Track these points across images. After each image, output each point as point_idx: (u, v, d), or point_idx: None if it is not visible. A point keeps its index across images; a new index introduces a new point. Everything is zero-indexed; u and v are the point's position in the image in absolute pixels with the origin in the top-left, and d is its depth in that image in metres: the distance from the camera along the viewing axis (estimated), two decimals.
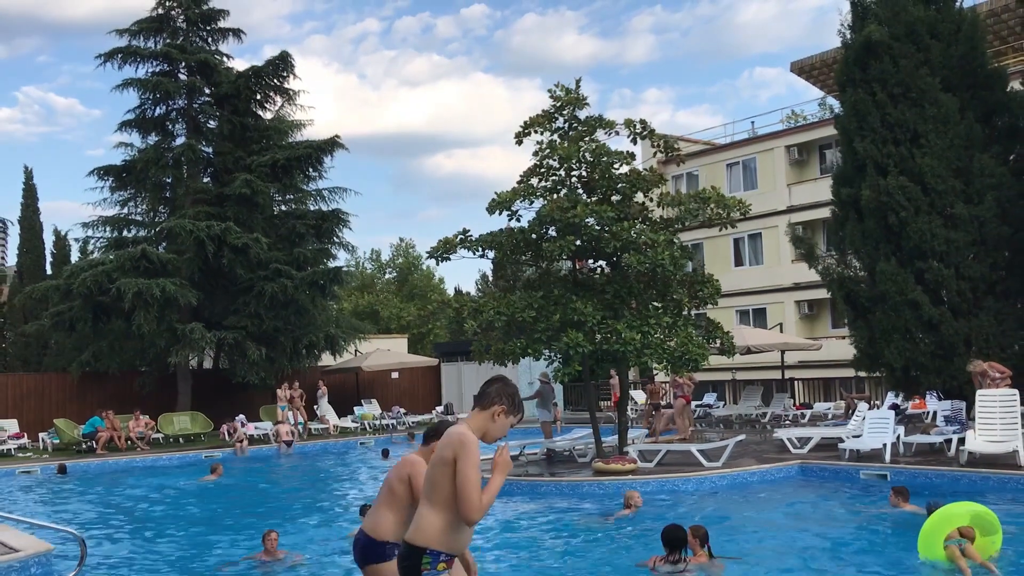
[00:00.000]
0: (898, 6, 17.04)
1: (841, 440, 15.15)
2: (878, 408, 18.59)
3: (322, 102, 57.81)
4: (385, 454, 20.21)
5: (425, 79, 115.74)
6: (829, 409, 24.25)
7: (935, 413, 17.07)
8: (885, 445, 14.17)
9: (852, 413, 18.27)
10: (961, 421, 14.88)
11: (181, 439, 24.45)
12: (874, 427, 14.84)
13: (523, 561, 8.87)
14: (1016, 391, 13.51)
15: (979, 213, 16.06)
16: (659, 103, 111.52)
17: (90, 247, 30.94)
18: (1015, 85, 17.35)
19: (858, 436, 15.06)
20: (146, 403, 25.81)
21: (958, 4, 17.75)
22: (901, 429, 15.36)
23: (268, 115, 29.64)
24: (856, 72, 17.06)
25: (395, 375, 33.72)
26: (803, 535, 9.54)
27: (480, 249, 15.40)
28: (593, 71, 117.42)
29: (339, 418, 27.94)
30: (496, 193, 15.41)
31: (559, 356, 14.81)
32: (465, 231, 15.51)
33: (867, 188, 16.44)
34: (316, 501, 14.50)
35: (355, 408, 29.04)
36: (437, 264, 16.78)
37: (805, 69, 38.52)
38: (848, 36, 17.68)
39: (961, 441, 13.76)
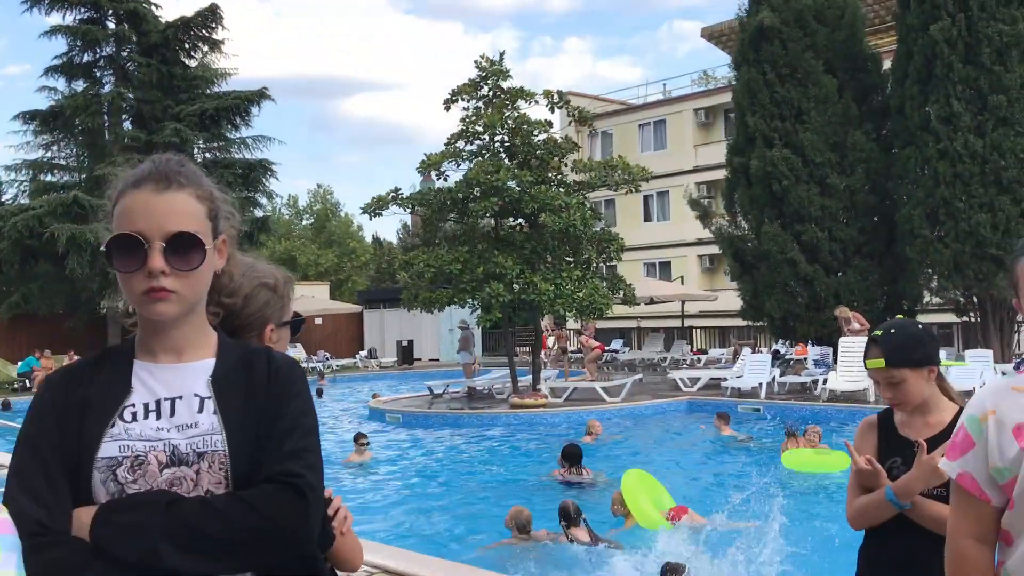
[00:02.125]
0: None
1: (725, 379, 17.39)
2: (762, 353, 20.99)
3: (236, 39, 57.56)
4: (319, 393, 21.73)
5: (344, 19, 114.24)
6: (723, 354, 26.73)
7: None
8: (761, 384, 16.43)
9: (737, 357, 20.60)
10: (827, 364, 17.24)
11: None
12: (753, 369, 17.09)
13: (454, 477, 10.69)
14: None
15: (851, 183, 18.35)
16: (580, 52, 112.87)
17: (13, 190, 31.03)
18: (887, 64, 19.57)
19: (739, 376, 17.31)
20: (77, 345, 26.55)
21: None
22: (777, 371, 17.68)
23: (193, 63, 30.11)
24: (750, 53, 19.03)
25: (319, 321, 34.99)
26: (663, 453, 11.69)
27: (411, 206, 16.94)
28: (515, 17, 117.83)
29: None
30: (426, 155, 16.98)
31: (479, 304, 16.56)
32: (396, 190, 17.00)
33: (756, 158, 18.53)
34: None
35: (290, 348, 30.27)
36: (370, 219, 18.26)
37: (715, 35, 40.56)
38: (744, 19, 19.59)
39: (825, 381, 16.09)
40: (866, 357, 2.47)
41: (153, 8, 28.92)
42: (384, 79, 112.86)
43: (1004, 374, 9.23)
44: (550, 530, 6.85)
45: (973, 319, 18.47)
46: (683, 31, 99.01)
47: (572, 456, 9.17)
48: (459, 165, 16.96)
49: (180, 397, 1.46)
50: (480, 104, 17.05)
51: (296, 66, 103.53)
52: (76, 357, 24.68)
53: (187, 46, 29.24)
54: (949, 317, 19.95)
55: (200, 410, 1.45)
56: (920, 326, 2.53)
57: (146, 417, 1.44)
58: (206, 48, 30.00)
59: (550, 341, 29.81)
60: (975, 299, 17.86)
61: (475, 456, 12.49)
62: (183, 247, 1.46)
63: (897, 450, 2.42)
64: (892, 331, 2.47)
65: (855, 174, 18.31)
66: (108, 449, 1.40)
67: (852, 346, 15.90)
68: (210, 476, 1.42)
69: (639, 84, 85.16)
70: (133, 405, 1.45)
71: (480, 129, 16.79)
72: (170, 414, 1.45)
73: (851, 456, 2.50)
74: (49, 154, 29.62)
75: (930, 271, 17.61)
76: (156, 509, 1.34)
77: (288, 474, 1.40)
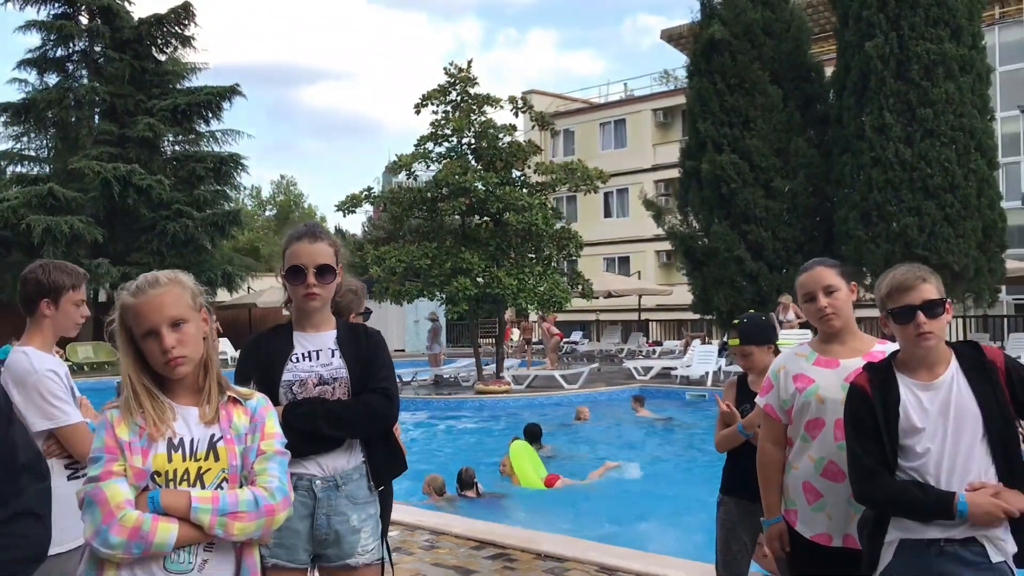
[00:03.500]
0: (739, 8, 20.28)
1: (675, 369, 18.68)
2: (710, 344, 22.34)
3: (200, 28, 57.85)
4: None
5: (305, 7, 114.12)
6: (678, 346, 28.09)
7: None
8: (708, 372, 17.74)
9: (688, 348, 21.93)
10: None
11: (86, 367, 26.06)
12: (701, 359, 18.40)
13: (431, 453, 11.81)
14: (808, 331, 17.26)
15: (793, 187, 19.73)
16: (543, 45, 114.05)
17: None
18: (831, 70, 20.94)
19: (689, 366, 18.61)
20: None
21: (790, 4, 21.14)
22: (723, 360, 19.00)
23: (163, 57, 30.71)
24: (702, 63, 20.31)
25: (286, 312, 35.72)
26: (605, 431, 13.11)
27: (383, 204, 17.97)
28: (479, 8, 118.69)
29: (236, 350, 30.00)
30: (397, 156, 18.05)
31: (446, 298, 17.65)
32: (369, 188, 18.04)
33: (706, 162, 19.83)
34: None
35: None
36: (344, 216, 19.28)
37: (674, 37, 41.92)
38: (697, 31, 20.87)
39: None
40: (729, 338, 3.65)
41: (126, 4, 29.47)
42: (346, 68, 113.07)
43: None
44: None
45: None
46: (647, 25, 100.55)
47: (532, 433, 10.33)
48: (428, 166, 18.03)
49: (320, 350, 2.61)
50: (448, 108, 18.11)
51: (256, 54, 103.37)
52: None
53: (160, 42, 29.85)
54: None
55: (332, 356, 2.60)
56: (763, 317, 3.71)
57: (304, 360, 2.58)
58: (177, 43, 30.65)
59: (515, 333, 31.03)
60: None
61: (442, 435, 13.60)
62: (324, 271, 2.58)
63: (747, 399, 3.59)
64: (745, 320, 3.66)
65: (797, 178, 19.69)
66: (286, 377, 2.54)
67: (790, 336, 17.28)
68: (340, 390, 2.57)
69: (601, 84, 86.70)
70: (296, 354, 2.58)
71: (449, 132, 17.88)
72: (316, 359, 2.59)
73: (718, 403, 3.68)
74: (19, 145, 30.08)
75: (864, 269, 19.03)
76: (315, 405, 2.49)
77: (381, 387, 2.55)
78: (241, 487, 2.05)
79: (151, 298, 2.11)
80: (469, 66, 18.09)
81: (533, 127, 19.31)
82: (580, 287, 18.04)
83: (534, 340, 25.34)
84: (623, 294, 27.34)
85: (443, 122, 17.79)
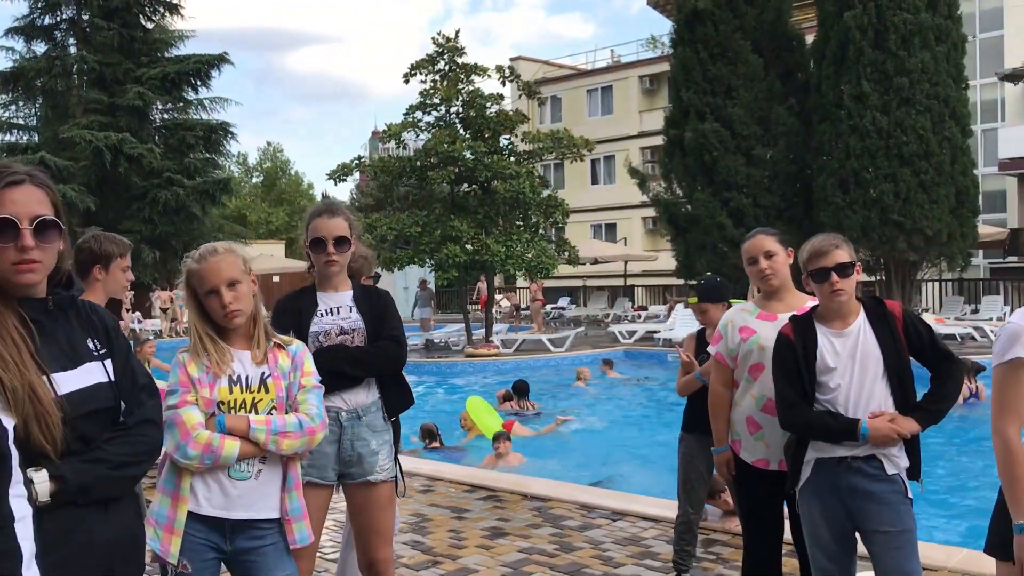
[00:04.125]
0: None
1: (658, 332, 19.30)
2: None
3: None
4: None
5: None
6: (662, 311, 28.71)
7: None
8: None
9: (672, 312, 22.55)
10: None
11: None
12: (683, 322, 18.99)
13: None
14: None
15: (774, 154, 20.23)
16: (532, 8, 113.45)
17: None
18: (811, 38, 21.34)
19: (671, 329, 19.22)
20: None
21: None
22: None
23: (150, 25, 30.78)
24: (685, 33, 20.69)
25: (276, 279, 36.20)
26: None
27: (374, 172, 18.40)
28: None
29: None
30: (387, 124, 18.44)
31: (436, 264, 18.16)
32: (359, 157, 18.47)
33: (689, 131, 20.29)
34: None
35: None
36: (336, 184, 19.74)
37: (660, 3, 42.10)
38: (680, 1, 21.21)
39: None
40: (688, 297, 4.20)
41: None
42: (331, 33, 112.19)
43: None
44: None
45: (879, 278, 20.60)
46: None
47: (520, 390, 10.94)
48: (418, 136, 18.45)
49: (340, 307, 3.14)
50: (436, 77, 18.48)
51: (241, 18, 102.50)
52: None
53: (148, 10, 29.92)
54: (861, 276, 22.05)
55: (350, 312, 3.13)
56: (719, 279, 4.26)
57: (327, 315, 3.11)
58: (164, 11, 30.72)
59: (503, 301, 31.61)
60: (881, 260, 19.95)
61: (436, 395, 14.18)
62: (341, 242, 3.10)
63: (705, 351, 4.15)
64: (702, 281, 4.21)
65: (778, 146, 20.19)
66: (313, 329, 3.07)
67: None
68: (358, 339, 3.10)
69: (588, 51, 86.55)
70: (320, 310, 3.11)
71: (437, 101, 18.27)
72: (337, 314, 3.12)
73: (679, 353, 4.24)
74: (7, 114, 30.23)
75: (842, 235, 19.58)
76: (339, 351, 3.03)
77: (392, 335, 3.10)
78: (287, 413, 2.59)
79: (211, 264, 2.63)
80: (457, 36, 18.44)
81: (520, 96, 19.71)
82: (567, 253, 18.57)
83: (522, 306, 25.92)
84: (609, 260, 27.90)
85: (431, 91, 18.17)
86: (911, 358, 3.05)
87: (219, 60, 30.07)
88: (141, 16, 29.86)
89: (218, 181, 29.57)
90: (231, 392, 2.56)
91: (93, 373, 1.93)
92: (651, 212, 36.92)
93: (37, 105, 29.83)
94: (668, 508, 5.65)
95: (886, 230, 18.66)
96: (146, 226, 28.04)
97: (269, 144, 77.64)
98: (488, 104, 18.12)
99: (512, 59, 40.82)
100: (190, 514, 2.49)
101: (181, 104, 31.10)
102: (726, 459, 3.64)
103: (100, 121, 27.86)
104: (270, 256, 35.17)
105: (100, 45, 29.37)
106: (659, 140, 35.62)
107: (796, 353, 3.05)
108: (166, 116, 31.21)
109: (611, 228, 39.19)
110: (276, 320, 3.04)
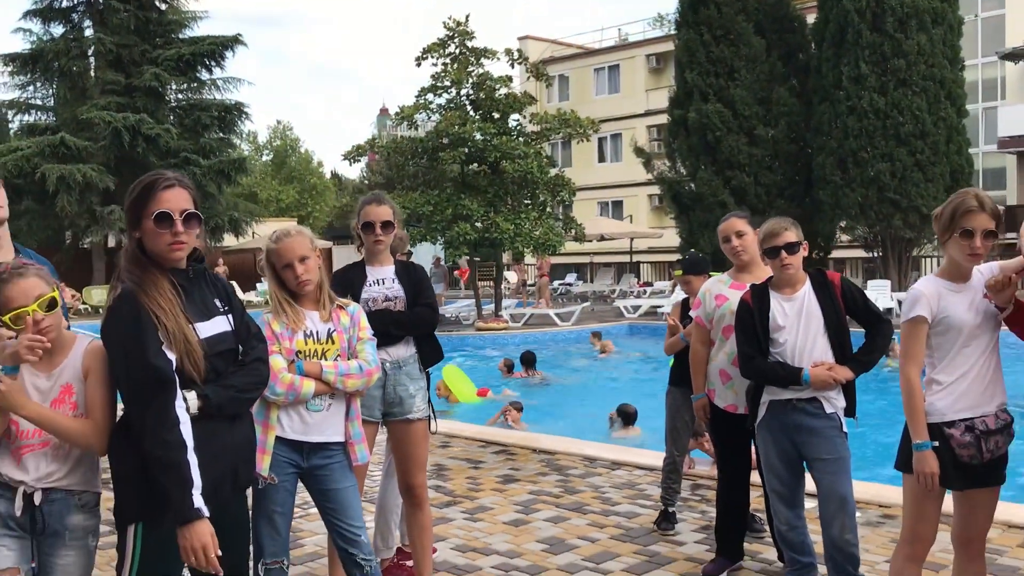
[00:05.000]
0: None
1: (661, 307, 20.00)
2: None
3: None
4: None
5: None
6: (667, 286, 29.41)
7: None
8: None
9: (676, 287, 23.26)
10: None
11: (100, 309, 27.35)
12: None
13: None
14: None
15: (775, 134, 20.83)
16: None
17: None
18: (812, 18, 21.84)
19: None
20: (64, 279, 28.21)
21: None
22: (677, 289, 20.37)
23: (164, 6, 31.35)
24: (689, 16, 21.23)
25: (359, 253, 36.96)
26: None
27: (387, 153, 19.08)
28: None
29: (244, 293, 31.27)
30: (400, 107, 19.11)
31: (447, 242, 18.88)
32: (373, 138, 19.14)
33: (693, 111, 20.88)
34: None
35: (257, 285, 32.41)
36: (350, 164, 20.43)
37: None
38: None
39: None
40: (674, 271, 4.91)
41: None
42: (334, 12, 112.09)
43: (900, 302, 12.15)
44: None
45: (877, 254, 21.24)
46: None
47: (528, 360, 11.70)
48: (429, 117, 19.11)
49: (384, 278, 3.86)
50: (447, 60, 19.10)
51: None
52: (68, 289, 26.45)
53: None
54: (859, 252, 22.73)
55: (393, 283, 3.85)
56: (700, 255, 4.97)
57: (374, 285, 3.83)
58: None
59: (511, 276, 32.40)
60: (878, 237, 20.58)
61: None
62: (387, 225, 3.81)
63: (688, 315, 4.86)
64: (687, 257, 4.91)
65: (779, 126, 20.77)
66: (363, 296, 3.78)
67: None
68: (399, 305, 3.82)
69: (595, 29, 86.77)
70: (369, 281, 3.82)
71: (448, 84, 18.90)
72: (382, 284, 3.84)
73: (667, 319, 4.95)
74: (26, 95, 30.93)
75: (840, 212, 20.25)
76: (384, 314, 3.75)
77: (426, 303, 3.82)
78: (349, 359, 3.31)
79: (286, 243, 3.33)
80: (467, 20, 19.03)
81: (528, 78, 20.30)
82: (573, 231, 19.25)
83: (529, 282, 26.66)
84: (615, 237, 28.56)
85: (442, 74, 18.80)
86: (849, 318, 3.75)
87: (233, 41, 30.62)
88: None
89: (233, 160, 30.27)
90: (306, 343, 3.27)
91: (220, 324, 2.64)
92: (657, 190, 37.44)
93: (54, 86, 30.48)
94: (661, 459, 6.38)
95: (883, 208, 19.28)
96: None
97: (279, 122, 78.16)
98: (497, 86, 18.74)
99: (520, 38, 41.28)
100: (277, 439, 3.22)
101: (195, 84, 31.74)
102: (703, 405, 4.36)
103: (117, 102, 28.51)
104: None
105: (116, 27, 29.93)
106: (665, 119, 36.32)
107: (753, 315, 3.76)
108: (180, 96, 31.86)
109: (617, 205, 39.77)
110: (335, 287, 3.74)
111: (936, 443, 3.06)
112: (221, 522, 2.45)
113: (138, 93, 28.81)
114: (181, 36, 30.99)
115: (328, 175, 68.43)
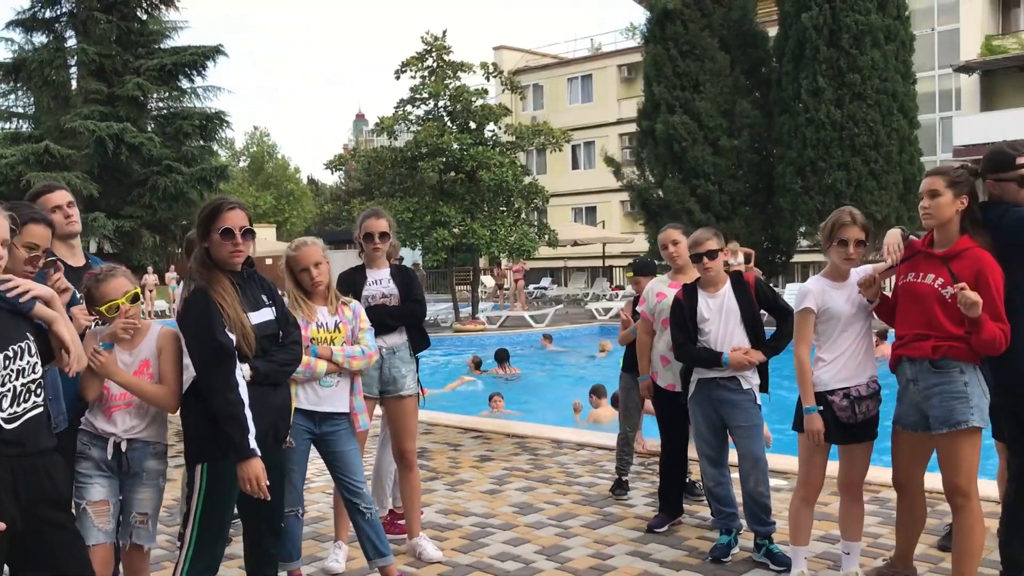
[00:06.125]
0: None
1: None
2: None
3: None
4: None
5: None
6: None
7: None
8: None
9: None
10: None
11: None
12: None
13: None
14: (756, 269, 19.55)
15: (738, 145, 21.81)
16: None
17: None
18: (774, 31, 22.86)
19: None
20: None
21: None
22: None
23: (145, 17, 31.91)
24: (657, 32, 22.21)
25: (269, 261, 37.54)
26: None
27: (368, 162, 19.85)
28: None
29: None
30: (379, 118, 19.88)
31: (426, 247, 19.67)
32: (355, 148, 19.89)
33: (660, 122, 21.82)
34: None
35: None
36: (332, 173, 21.19)
37: None
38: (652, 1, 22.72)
39: None
40: (626, 273, 5.74)
41: None
42: (307, 18, 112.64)
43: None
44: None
45: None
46: None
47: (501, 357, 12.54)
48: (407, 128, 19.91)
49: (381, 279, 4.65)
50: (425, 73, 19.91)
51: (218, 3, 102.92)
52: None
53: (144, 3, 31.05)
54: (819, 257, 23.74)
55: (388, 282, 4.64)
56: (648, 259, 5.81)
57: (373, 285, 4.63)
58: (159, 2, 31.86)
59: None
60: None
61: (427, 364, 15.72)
62: (384, 235, 4.61)
63: (638, 313, 5.68)
64: (637, 261, 5.76)
65: (742, 137, 21.77)
66: (364, 294, 4.58)
67: None
68: (394, 301, 4.62)
69: (568, 40, 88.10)
70: (369, 281, 4.62)
71: (426, 96, 19.71)
72: (380, 284, 4.64)
73: (619, 315, 5.78)
74: (7, 103, 31.40)
75: (800, 219, 21.26)
76: (381, 309, 4.55)
77: (415, 299, 4.62)
78: (353, 345, 4.11)
79: (304, 251, 4.13)
80: (444, 36, 19.86)
81: (503, 90, 21.15)
82: (547, 237, 20.10)
83: (504, 286, 27.48)
84: (588, 242, 29.45)
85: (420, 87, 19.61)
86: (764, 312, 4.60)
87: (214, 51, 31.26)
88: (138, 9, 30.99)
89: (215, 168, 30.88)
90: (318, 332, 4.07)
91: (266, 314, 3.43)
92: (628, 196, 38.67)
93: (38, 95, 30.95)
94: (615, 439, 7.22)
95: None
96: (146, 211, 29.34)
97: (256, 128, 78.44)
98: (473, 99, 19.57)
99: (495, 48, 42.16)
100: (296, 410, 4.01)
101: (176, 93, 32.32)
102: (647, 385, 5.20)
103: (100, 111, 29.06)
104: (263, 240, 36.50)
105: (99, 37, 30.47)
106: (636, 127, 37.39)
107: (684, 309, 4.59)
108: (162, 105, 32.43)
109: (591, 211, 40.69)
110: (340, 287, 4.52)
111: (821, 407, 3.91)
112: (265, 465, 3.24)
113: (120, 102, 29.38)
114: (163, 47, 31.60)
115: (305, 180, 68.99)
